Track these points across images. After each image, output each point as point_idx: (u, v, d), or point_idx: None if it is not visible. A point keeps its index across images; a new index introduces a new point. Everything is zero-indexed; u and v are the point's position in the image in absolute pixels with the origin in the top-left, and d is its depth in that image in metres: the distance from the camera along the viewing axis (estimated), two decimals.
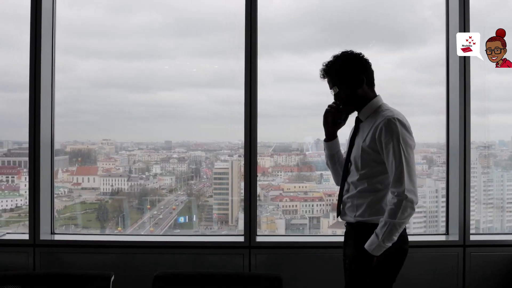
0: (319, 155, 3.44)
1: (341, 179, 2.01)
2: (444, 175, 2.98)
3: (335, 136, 2.10)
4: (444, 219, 3.07)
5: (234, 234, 3.16)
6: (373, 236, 1.77)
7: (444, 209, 3.14)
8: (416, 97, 3.31)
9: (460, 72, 2.84)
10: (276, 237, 3.11)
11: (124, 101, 3.36)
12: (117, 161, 3.45)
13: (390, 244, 1.75)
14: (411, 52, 3.28)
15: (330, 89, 1.98)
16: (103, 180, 3.37)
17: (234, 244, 2.84)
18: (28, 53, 2.83)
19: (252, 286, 1.84)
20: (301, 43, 3.20)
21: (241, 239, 2.83)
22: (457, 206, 2.85)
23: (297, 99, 3.25)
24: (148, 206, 3.39)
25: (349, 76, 1.91)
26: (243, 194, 3.34)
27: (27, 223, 3.28)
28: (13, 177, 3.42)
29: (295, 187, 3.38)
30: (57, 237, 2.92)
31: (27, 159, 3.44)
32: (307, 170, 3.44)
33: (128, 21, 3.27)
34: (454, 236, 2.87)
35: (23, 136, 3.52)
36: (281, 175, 3.45)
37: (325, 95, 3.38)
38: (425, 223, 3.27)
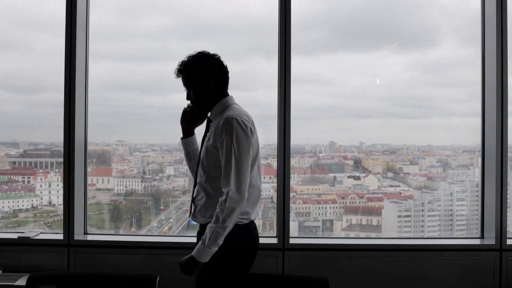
0: (333, 158, 3.43)
1: (194, 181, 2.03)
2: (460, 178, 2.96)
3: (192, 134, 2.13)
4: (460, 222, 3.05)
5: (267, 236, 3.10)
6: (199, 243, 1.80)
7: (461, 212, 3.12)
8: (426, 99, 3.29)
9: (497, 73, 2.78)
10: (310, 239, 3.08)
11: (137, 103, 3.39)
12: (131, 162, 3.48)
13: (216, 248, 1.78)
14: (421, 54, 3.27)
15: (184, 86, 1.99)
16: (117, 181, 3.40)
17: (267, 246, 2.77)
18: (36, 56, 2.92)
19: None
20: (311, 45, 3.20)
21: (274, 241, 2.81)
22: (493, 210, 2.79)
23: (309, 101, 3.25)
24: (162, 207, 3.42)
25: (197, 77, 1.93)
26: None
27: (42, 223, 3.35)
28: (29, 178, 3.47)
29: (308, 189, 3.38)
30: (89, 237, 2.95)
31: (42, 160, 3.50)
32: (320, 172, 3.43)
33: (139, 25, 3.31)
34: (490, 240, 2.82)
35: (38, 137, 3.59)
36: (294, 177, 3.44)
37: (338, 97, 3.41)
38: (439, 226, 3.24)
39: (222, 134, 1.81)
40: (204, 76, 1.93)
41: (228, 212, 1.75)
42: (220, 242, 1.77)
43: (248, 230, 1.91)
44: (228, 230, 1.77)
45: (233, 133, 1.79)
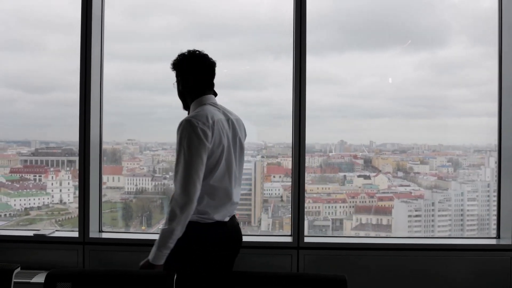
0: (343, 157, 3.44)
1: None
2: (471, 178, 2.95)
3: None
4: (471, 222, 3.04)
5: (282, 234, 3.12)
6: (153, 246, 1.80)
7: (472, 212, 3.11)
8: (437, 98, 3.28)
9: None
10: (324, 238, 3.08)
11: (147, 102, 3.41)
12: (141, 161, 3.50)
13: (167, 251, 1.77)
14: (431, 54, 3.26)
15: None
16: (128, 179, 3.42)
17: (282, 245, 2.79)
18: (46, 56, 3.01)
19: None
20: (319, 45, 3.21)
21: (289, 239, 2.82)
22: (510, 210, 2.79)
23: (318, 100, 3.26)
24: None
25: (182, 74, 2.01)
26: (265, 195, 3.37)
27: (53, 221, 3.38)
28: (41, 176, 3.50)
29: (318, 188, 3.38)
30: (104, 235, 2.97)
31: (54, 158, 3.53)
32: (330, 171, 3.44)
33: (148, 25, 3.32)
34: (506, 240, 2.81)
35: (50, 136, 3.62)
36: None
37: (348, 97, 3.41)
38: (450, 226, 3.23)
39: (177, 136, 1.84)
40: (184, 74, 2.00)
41: (172, 215, 1.75)
42: (171, 245, 1.76)
43: (205, 229, 1.88)
44: (177, 232, 1.75)
45: (185, 135, 1.80)
